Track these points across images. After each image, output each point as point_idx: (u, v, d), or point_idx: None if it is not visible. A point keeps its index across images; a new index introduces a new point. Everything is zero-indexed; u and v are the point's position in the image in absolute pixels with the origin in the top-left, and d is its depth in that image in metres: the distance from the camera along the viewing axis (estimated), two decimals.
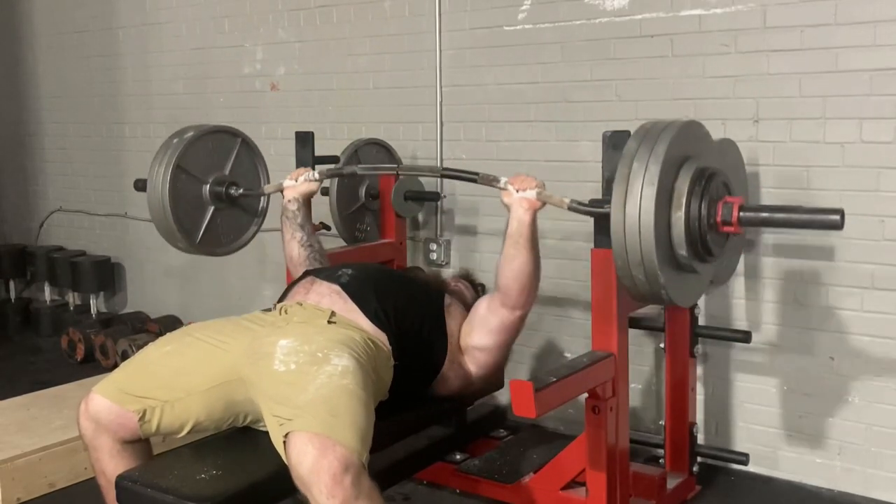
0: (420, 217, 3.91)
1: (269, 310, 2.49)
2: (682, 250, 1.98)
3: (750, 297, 3.10)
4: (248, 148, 3.18)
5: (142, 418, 2.18)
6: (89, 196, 5.43)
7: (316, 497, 1.81)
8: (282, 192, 2.89)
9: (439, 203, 3.80)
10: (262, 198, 3.18)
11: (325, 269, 2.61)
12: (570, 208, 2.34)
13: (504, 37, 3.58)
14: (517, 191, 2.39)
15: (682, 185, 1.99)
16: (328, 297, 2.41)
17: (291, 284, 2.61)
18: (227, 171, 3.09)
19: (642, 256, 1.93)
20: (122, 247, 5.25)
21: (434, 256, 3.85)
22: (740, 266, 3.03)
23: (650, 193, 1.92)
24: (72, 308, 5.33)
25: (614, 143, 2.38)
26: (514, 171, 3.54)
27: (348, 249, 3.48)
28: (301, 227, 2.83)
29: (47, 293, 5.46)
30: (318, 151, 3.32)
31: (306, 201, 2.87)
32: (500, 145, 3.66)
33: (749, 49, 3.01)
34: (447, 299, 2.60)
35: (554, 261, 3.53)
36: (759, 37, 2.98)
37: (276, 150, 4.32)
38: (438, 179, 3.81)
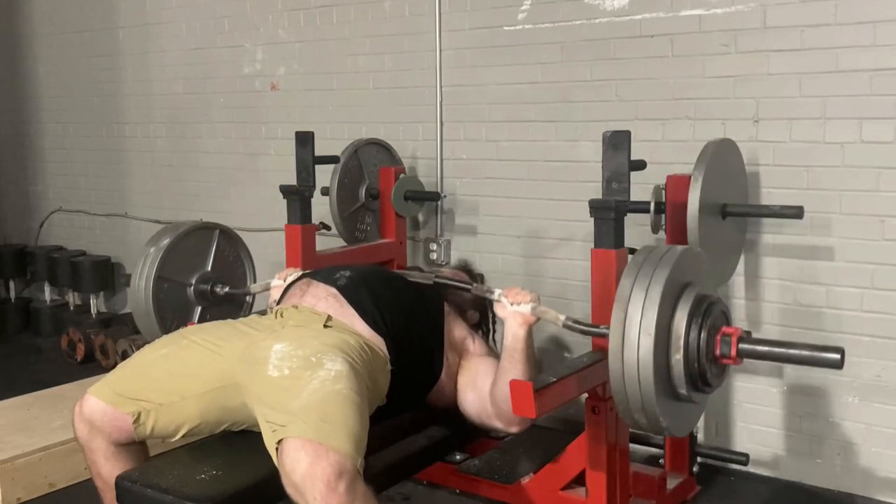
0: (420, 217, 3.91)
1: (265, 313, 2.47)
2: (682, 389, 1.97)
3: (750, 297, 3.10)
4: (228, 237, 3.13)
5: (136, 420, 2.17)
6: (89, 196, 5.43)
7: None
8: (269, 290, 2.80)
9: (439, 203, 3.80)
10: (248, 295, 3.10)
11: (323, 271, 2.57)
12: (564, 326, 2.28)
13: (504, 37, 3.58)
14: (511, 304, 2.32)
15: (680, 323, 1.95)
16: (324, 300, 2.39)
17: (288, 287, 2.59)
18: (209, 268, 3.04)
19: (643, 402, 1.92)
20: (122, 247, 5.25)
21: (434, 256, 3.85)
22: (740, 266, 3.03)
23: (647, 343, 1.89)
24: (72, 308, 5.33)
25: (614, 143, 2.38)
26: (515, 172, 3.60)
27: (348, 249, 3.48)
28: None
29: (47, 293, 5.46)
30: (318, 151, 3.31)
31: None
32: (500, 145, 3.66)
33: (749, 49, 3.01)
34: (446, 307, 2.57)
35: (554, 261, 3.53)
36: (759, 37, 2.98)
37: (276, 150, 4.34)
38: (438, 179, 3.82)
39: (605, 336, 2.04)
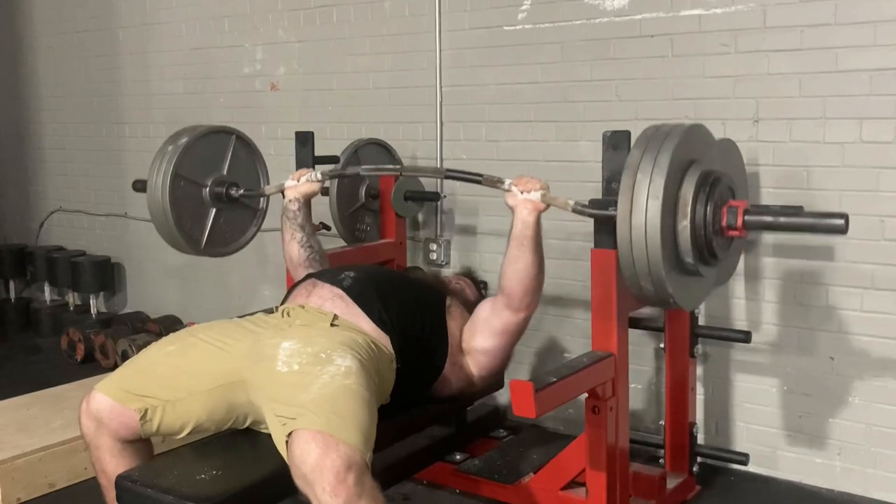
0: (420, 217, 3.91)
1: (271, 311, 2.49)
2: (689, 258, 1.99)
3: (750, 297, 3.10)
4: (244, 144, 3.16)
5: (143, 417, 2.18)
6: (89, 196, 5.44)
7: (318, 495, 1.81)
8: (283, 192, 2.89)
9: (439, 203, 3.80)
10: (262, 197, 3.17)
11: (327, 272, 2.60)
12: (574, 210, 2.34)
13: (504, 37, 3.59)
14: (521, 192, 2.39)
15: (687, 192, 1.99)
16: (330, 300, 2.41)
17: (293, 286, 2.60)
18: (224, 171, 3.08)
19: (650, 268, 1.95)
20: (122, 247, 5.26)
21: (434, 256, 3.85)
22: (740, 266, 3.03)
23: (655, 206, 1.93)
24: (72, 308, 5.33)
25: (614, 143, 2.38)
26: (515, 171, 3.57)
27: (348, 249, 3.48)
28: (301, 228, 2.82)
29: (47, 293, 5.46)
30: (318, 151, 3.32)
31: (307, 202, 2.86)
32: (500, 145, 3.66)
33: (749, 49, 3.01)
34: (448, 300, 2.60)
35: (554, 261, 3.51)
36: (759, 37, 2.99)
37: (276, 150, 4.33)
38: (438, 179, 3.81)
39: (613, 217, 2.05)
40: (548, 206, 2.38)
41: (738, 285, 3.10)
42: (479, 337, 2.50)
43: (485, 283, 3.07)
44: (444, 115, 3.80)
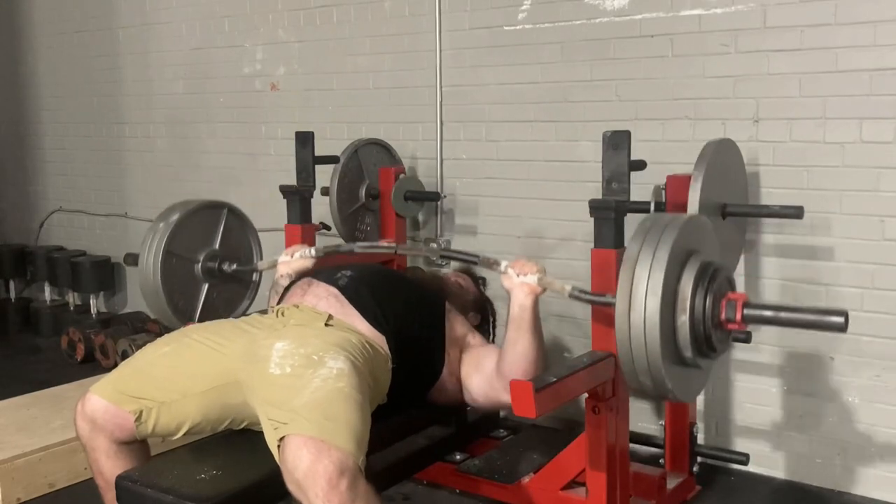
0: (420, 217, 3.91)
1: (266, 312, 2.48)
2: (688, 352, 1.97)
3: (750, 297, 3.09)
4: (236, 216, 3.11)
5: (138, 419, 2.17)
6: (89, 196, 5.44)
7: (312, 501, 1.79)
8: (276, 267, 2.81)
9: (439, 203, 3.80)
10: (255, 272, 3.09)
11: (324, 271, 2.58)
12: (570, 296, 2.29)
13: (504, 37, 3.59)
14: (518, 275, 2.32)
15: (686, 285, 1.95)
16: (325, 299, 2.40)
17: (289, 285, 2.59)
18: (216, 245, 3.01)
19: (649, 365, 1.92)
20: (122, 247, 5.25)
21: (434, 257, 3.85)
22: (740, 266, 3.03)
23: (654, 303, 1.90)
24: (72, 308, 5.34)
25: (614, 143, 2.38)
26: (514, 171, 3.60)
27: None
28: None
29: (47, 293, 5.47)
30: (318, 151, 3.32)
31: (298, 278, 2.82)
32: (500, 145, 3.67)
33: (749, 49, 3.01)
34: (448, 305, 2.57)
35: (555, 260, 3.53)
36: (759, 37, 2.99)
37: (276, 150, 4.34)
38: (438, 179, 3.82)
39: (611, 305, 2.04)
40: (545, 289, 2.32)
41: (738, 285, 3.09)
42: (476, 383, 2.44)
43: (483, 280, 3.07)
44: (444, 115, 3.80)
